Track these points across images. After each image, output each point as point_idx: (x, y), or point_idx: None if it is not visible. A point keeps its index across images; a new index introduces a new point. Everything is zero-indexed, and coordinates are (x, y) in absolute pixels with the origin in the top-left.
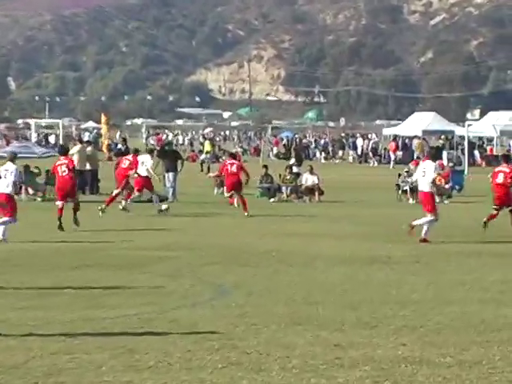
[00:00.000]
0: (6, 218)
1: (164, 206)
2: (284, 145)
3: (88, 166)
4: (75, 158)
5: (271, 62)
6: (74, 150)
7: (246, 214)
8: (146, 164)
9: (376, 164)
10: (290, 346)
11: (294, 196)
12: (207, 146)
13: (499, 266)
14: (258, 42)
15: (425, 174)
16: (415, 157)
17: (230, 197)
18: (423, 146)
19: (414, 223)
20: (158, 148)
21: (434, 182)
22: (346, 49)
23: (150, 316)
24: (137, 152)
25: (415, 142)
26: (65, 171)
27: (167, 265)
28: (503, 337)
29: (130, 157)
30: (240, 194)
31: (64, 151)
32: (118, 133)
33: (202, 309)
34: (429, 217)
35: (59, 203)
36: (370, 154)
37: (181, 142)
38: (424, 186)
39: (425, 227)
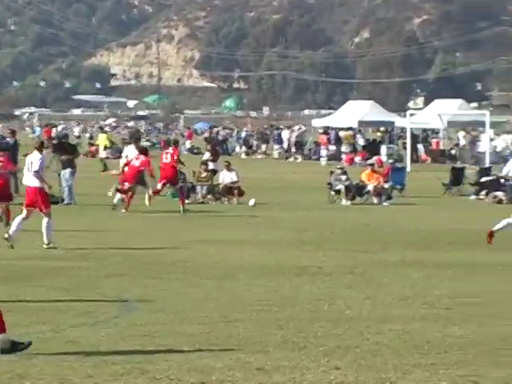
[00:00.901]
0: (45, 220)
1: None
2: (205, 138)
3: None
4: None
5: (183, 43)
6: None
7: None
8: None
9: (300, 160)
10: (205, 370)
11: (211, 197)
12: (103, 140)
13: (445, 279)
14: (169, 19)
15: None
16: (343, 150)
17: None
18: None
19: (496, 229)
20: (55, 142)
21: None
22: (270, 27)
23: (44, 336)
24: (177, 143)
25: (344, 133)
26: None
27: (63, 276)
28: (450, 359)
29: (170, 149)
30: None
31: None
32: (32, 121)
33: (104, 328)
34: None
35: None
36: (293, 148)
37: (77, 134)
38: None
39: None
